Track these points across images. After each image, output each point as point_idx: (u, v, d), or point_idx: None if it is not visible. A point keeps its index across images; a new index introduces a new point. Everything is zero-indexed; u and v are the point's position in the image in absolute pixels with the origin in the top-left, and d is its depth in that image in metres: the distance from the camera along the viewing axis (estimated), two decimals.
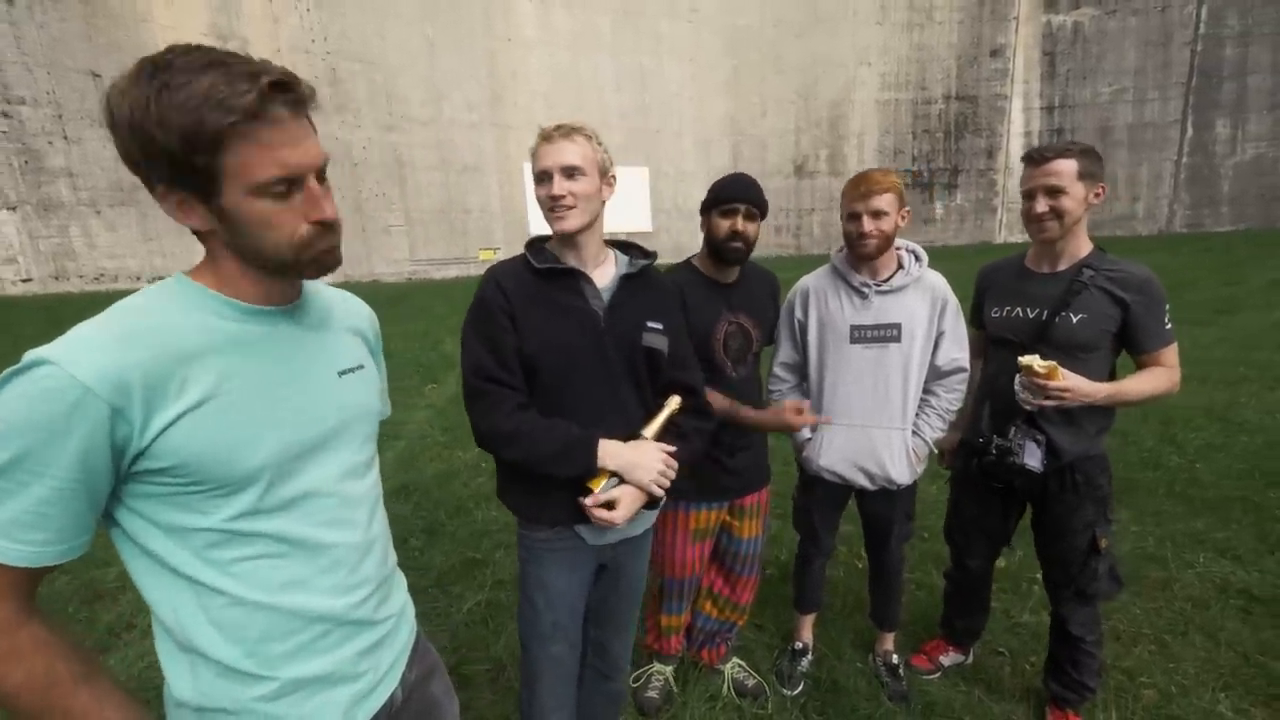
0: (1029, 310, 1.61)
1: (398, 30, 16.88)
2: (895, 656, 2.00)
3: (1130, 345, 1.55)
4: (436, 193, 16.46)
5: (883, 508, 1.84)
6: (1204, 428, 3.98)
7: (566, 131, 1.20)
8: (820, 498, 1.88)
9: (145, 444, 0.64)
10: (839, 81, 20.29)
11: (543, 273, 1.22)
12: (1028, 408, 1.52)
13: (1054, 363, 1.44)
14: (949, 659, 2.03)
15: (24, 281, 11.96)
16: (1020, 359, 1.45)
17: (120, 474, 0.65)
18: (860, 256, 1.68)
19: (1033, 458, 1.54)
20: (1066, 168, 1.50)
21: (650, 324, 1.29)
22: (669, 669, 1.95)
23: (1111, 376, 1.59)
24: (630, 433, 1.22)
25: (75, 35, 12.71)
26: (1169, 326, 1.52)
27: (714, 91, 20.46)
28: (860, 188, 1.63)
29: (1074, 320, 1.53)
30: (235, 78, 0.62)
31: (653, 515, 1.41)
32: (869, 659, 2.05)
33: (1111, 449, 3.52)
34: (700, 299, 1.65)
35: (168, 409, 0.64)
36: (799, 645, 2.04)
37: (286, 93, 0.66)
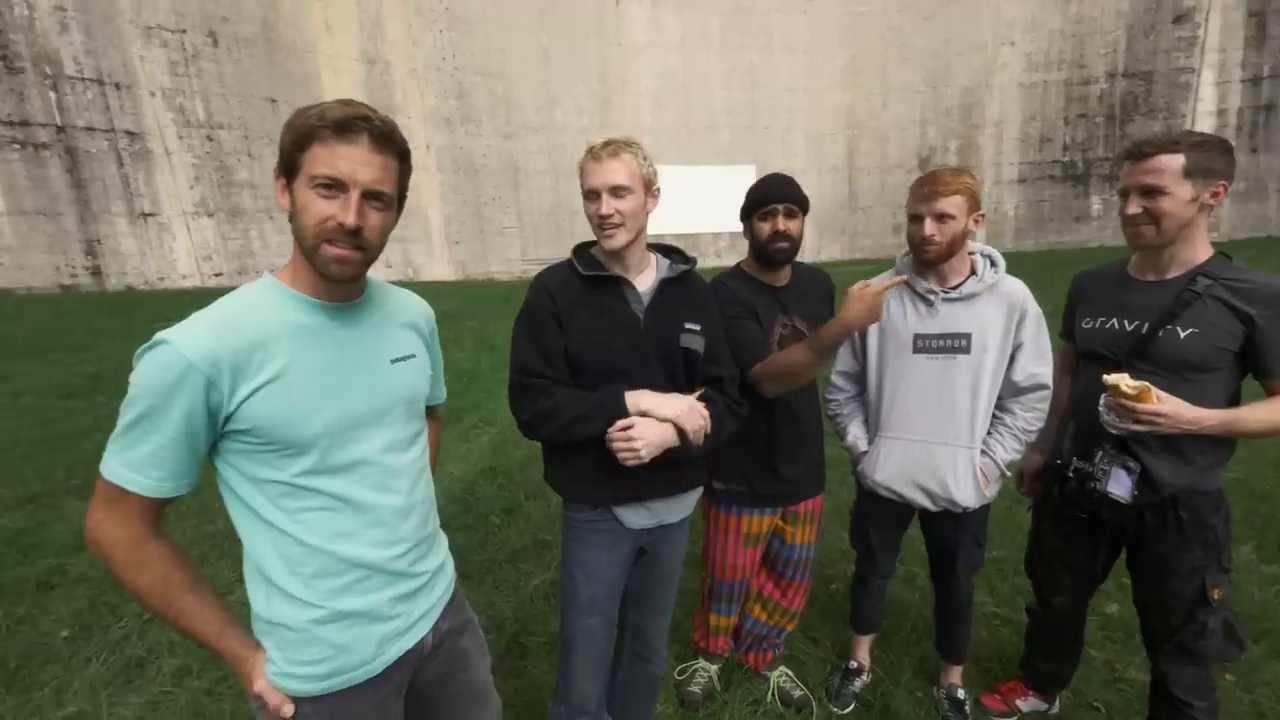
0: (1127, 322, 1.40)
1: (517, 42, 18.02)
2: (962, 691, 1.85)
3: (1257, 368, 1.31)
4: (547, 195, 17.39)
5: (948, 531, 1.70)
6: None
7: (614, 150, 1.26)
8: (878, 515, 1.79)
9: (232, 409, 0.81)
10: (974, 65, 18.50)
11: (588, 279, 1.30)
12: (1114, 432, 1.33)
13: (1146, 383, 1.25)
14: (1028, 704, 1.83)
15: (216, 276, 14.37)
16: (1105, 378, 1.27)
17: (216, 431, 0.83)
18: (922, 262, 1.57)
19: (1119, 486, 1.34)
20: (1168, 164, 1.28)
21: (688, 325, 1.34)
22: (714, 668, 1.96)
23: (1234, 401, 1.35)
24: None
25: (260, 67, 15.04)
26: None
27: (829, 84, 19.55)
28: (925, 189, 1.52)
29: (1182, 335, 1.31)
30: (340, 106, 0.84)
31: (690, 502, 1.44)
32: (932, 690, 1.91)
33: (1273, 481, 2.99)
34: (756, 303, 1.64)
35: (249, 383, 0.81)
36: (853, 665, 1.95)
37: (368, 123, 0.85)
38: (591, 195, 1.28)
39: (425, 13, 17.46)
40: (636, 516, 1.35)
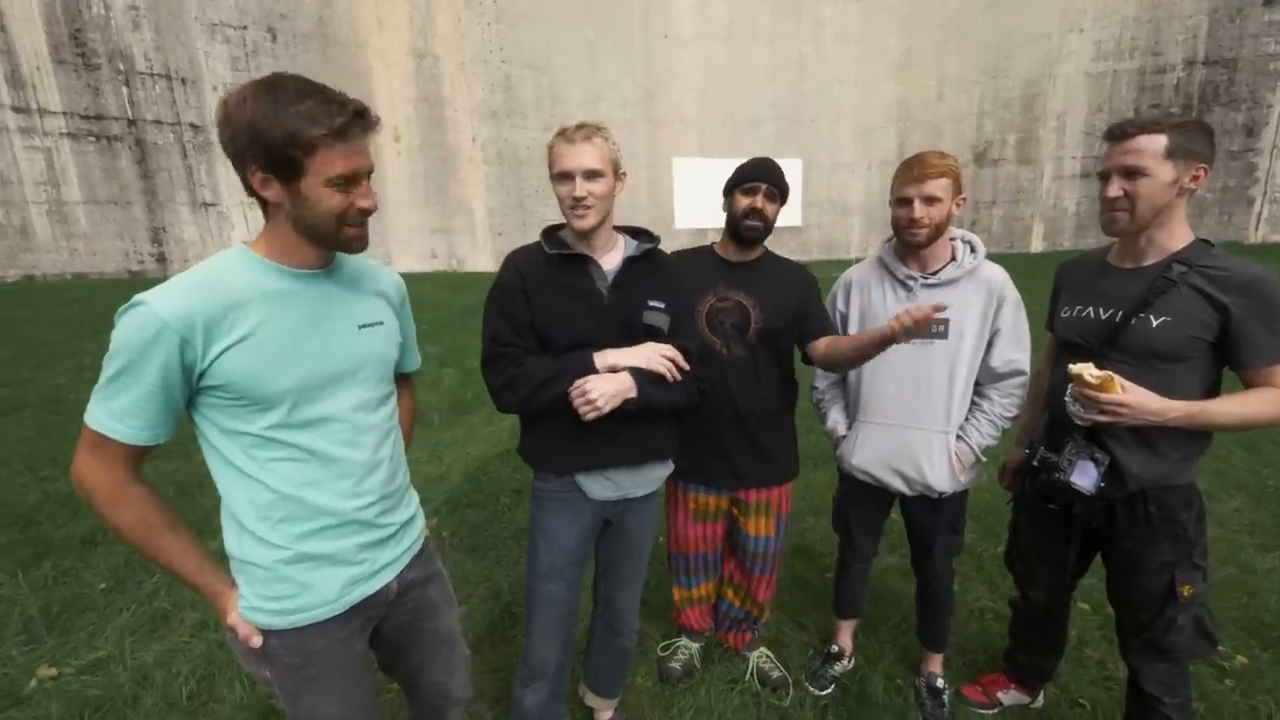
0: (1102, 310, 1.37)
1: (563, 35, 18.18)
2: (941, 680, 1.84)
3: (1231, 359, 1.26)
4: None
5: (925, 517, 1.70)
6: None
7: (587, 134, 1.31)
8: (857, 499, 1.80)
9: (205, 366, 0.89)
10: (1038, 54, 17.58)
11: (554, 258, 1.36)
12: (1079, 422, 1.30)
13: (1109, 373, 1.22)
14: (1009, 697, 1.82)
15: None
16: (1070, 367, 1.24)
17: (192, 386, 0.91)
18: (909, 245, 1.57)
19: (1083, 477, 1.32)
20: (1149, 145, 1.24)
21: (652, 303, 1.39)
22: (696, 646, 2.01)
23: (1212, 394, 1.30)
24: None
25: (315, 62, 15.72)
26: None
27: (881, 76, 18.95)
28: (914, 170, 1.52)
29: (1154, 324, 1.28)
30: (332, 102, 0.89)
31: (656, 477, 1.49)
32: (912, 679, 1.92)
33: None
34: (695, 272, 1.66)
35: (220, 341, 0.89)
36: (834, 649, 1.97)
37: (362, 119, 0.92)
38: (564, 178, 1.31)
39: (474, 6, 17.83)
40: (600, 487, 1.40)
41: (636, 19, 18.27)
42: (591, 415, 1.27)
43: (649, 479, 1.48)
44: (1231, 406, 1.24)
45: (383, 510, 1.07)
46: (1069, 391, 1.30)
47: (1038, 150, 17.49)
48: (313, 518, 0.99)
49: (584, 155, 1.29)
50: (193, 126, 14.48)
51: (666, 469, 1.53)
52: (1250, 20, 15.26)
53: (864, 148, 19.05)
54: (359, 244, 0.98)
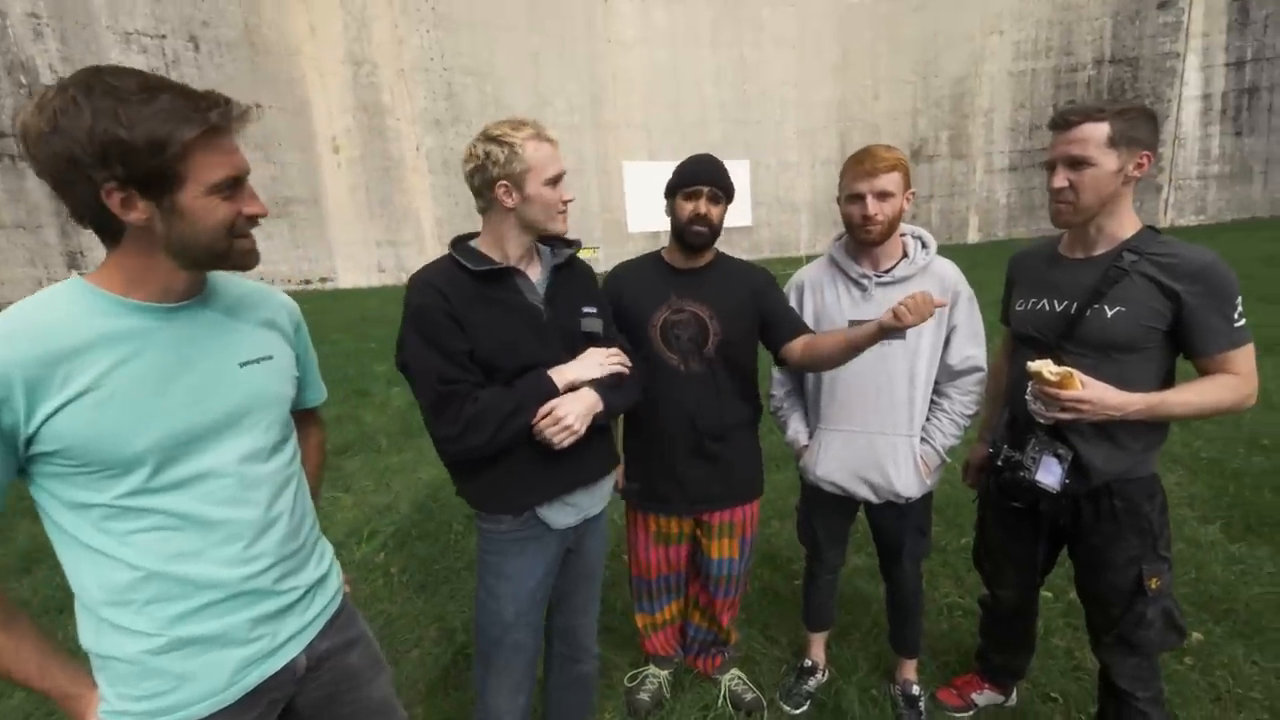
0: (1056, 302, 1.35)
1: (506, 41, 17.94)
2: (916, 687, 1.80)
3: (1185, 347, 1.26)
4: None
5: (892, 522, 1.66)
6: None
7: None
8: (822, 509, 1.73)
9: (32, 430, 0.73)
10: (964, 55, 18.48)
11: (479, 274, 1.22)
12: (1041, 421, 1.29)
13: (1069, 369, 1.20)
14: (984, 697, 1.79)
15: None
16: (1029, 365, 1.22)
17: (19, 456, 0.75)
18: (863, 243, 1.52)
19: (1049, 474, 1.30)
20: (1093, 133, 1.22)
21: (586, 310, 1.33)
22: (664, 673, 1.90)
23: (1168, 383, 1.30)
24: None
25: (243, 72, 14.94)
26: (1239, 325, 1.21)
27: (820, 77, 19.51)
28: (865, 164, 1.46)
29: (1108, 314, 1.26)
30: (193, 96, 0.75)
31: (608, 490, 1.42)
32: (888, 687, 1.87)
33: (1261, 471, 3.06)
34: (645, 283, 1.59)
35: (50, 400, 0.73)
36: (808, 663, 1.91)
37: (230, 111, 0.79)
38: (559, 180, 1.24)
39: (411, 13, 17.37)
40: (562, 515, 1.30)
41: (579, 24, 18.21)
42: (569, 440, 1.20)
43: (604, 492, 1.40)
44: (1189, 396, 1.23)
45: (283, 574, 0.92)
46: (1029, 390, 1.27)
47: (969, 146, 18.35)
48: (190, 595, 0.83)
49: (561, 158, 1.24)
50: None
51: (614, 476, 1.45)
52: (1147, 22, 16.47)
53: (808, 147, 19.53)
54: (253, 258, 0.85)
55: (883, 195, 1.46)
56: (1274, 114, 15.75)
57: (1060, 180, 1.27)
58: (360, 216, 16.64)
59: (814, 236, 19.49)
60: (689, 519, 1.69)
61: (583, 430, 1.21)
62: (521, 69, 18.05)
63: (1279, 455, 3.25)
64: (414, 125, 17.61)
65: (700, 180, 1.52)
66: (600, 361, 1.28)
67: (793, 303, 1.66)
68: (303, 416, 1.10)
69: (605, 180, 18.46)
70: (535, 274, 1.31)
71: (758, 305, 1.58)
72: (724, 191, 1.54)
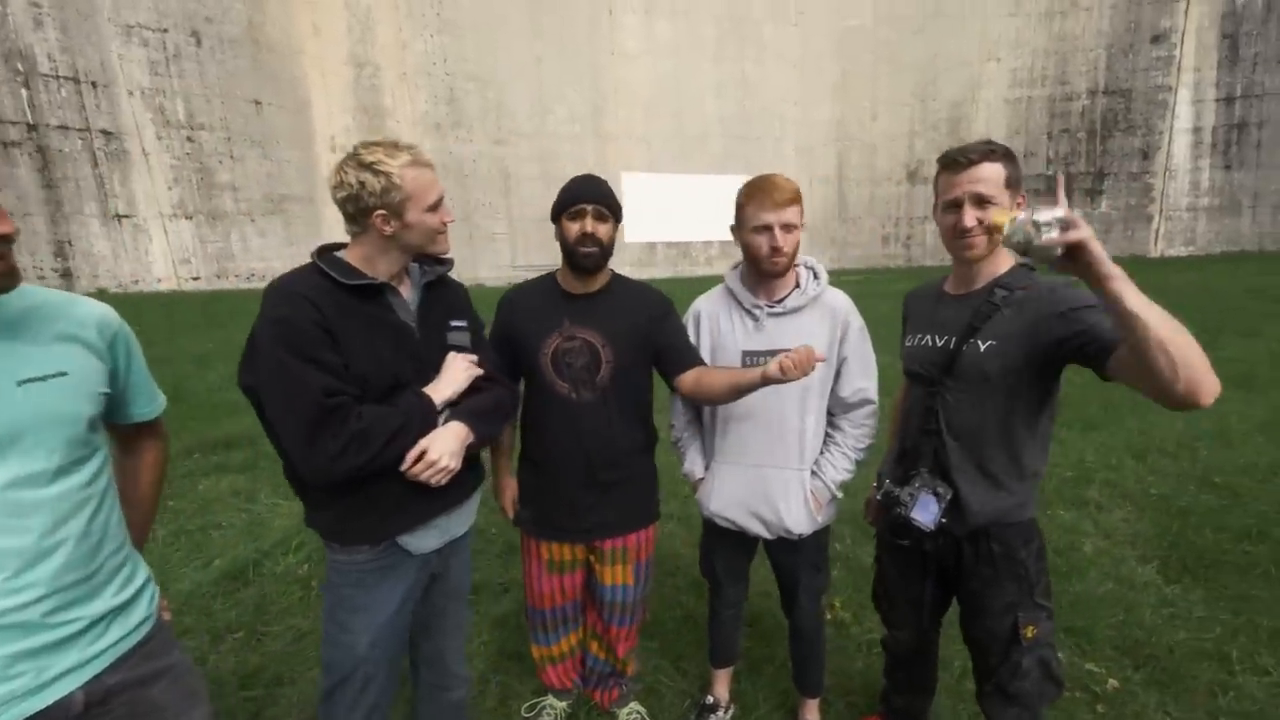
0: (938, 338, 1.35)
1: (509, 48, 18.07)
2: None
3: (1088, 358, 1.12)
4: (538, 202, 17.36)
5: (786, 558, 1.63)
6: None
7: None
8: (720, 545, 1.69)
9: None
10: (961, 80, 18.70)
11: (350, 288, 1.17)
12: (1056, 252, 0.93)
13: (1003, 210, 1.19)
14: None
15: (194, 280, 14.26)
16: (992, 218, 1.13)
17: None
18: (768, 274, 1.50)
19: (924, 513, 1.27)
20: (993, 173, 1.23)
21: (454, 323, 1.32)
22: (562, 704, 1.85)
23: (1050, 417, 1.29)
24: None
25: (244, 69, 15.00)
26: None
27: (820, 96, 19.70)
28: (774, 196, 1.44)
29: (981, 349, 1.26)
30: None
31: (474, 507, 1.39)
32: None
33: (1209, 509, 3.03)
34: (537, 308, 1.56)
35: None
36: (709, 700, 1.85)
37: None
38: (439, 204, 1.22)
39: (416, 16, 17.51)
40: (426, 540, 1.26)
41: (583, 34, 18.36)
42: (446, 479, 1.18)
43: (470, 511, 1.38)
44: (1161, 311, 0.96)
45: (59, 605, 0.86)
46: (1036, 235, 0.94)
47: None
48: None
49: (438, 181, 1.23)
50: (105, 133, 13.51)
51: (479, 493, 1.42)
52: (1141, 55, 16.70)
53: (806, 165, 19.67)
54: (7, 279, 0.82)
55: (788, 227, 1.45)
56: (1263, 149, 15.96)
57: (970, 219, 1.26)
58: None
59: (809, 253, 19.46)
60: (582, 545, 1.65)
61: (458, 467, 1.19)
62: (524, 76, 18.18)
63: (1229, 494, 3.22)
64: (414, 128, 17.69)
65: (583, 199, 1.50)
66: (465, 368, 1.26)
67: (690, 332, 1.63)
68: (135, 431, 1.06)
69: None
70: (406, 292, 1.28)
71: (652, 332, 1.55)
72: (610, 209, 1.51)
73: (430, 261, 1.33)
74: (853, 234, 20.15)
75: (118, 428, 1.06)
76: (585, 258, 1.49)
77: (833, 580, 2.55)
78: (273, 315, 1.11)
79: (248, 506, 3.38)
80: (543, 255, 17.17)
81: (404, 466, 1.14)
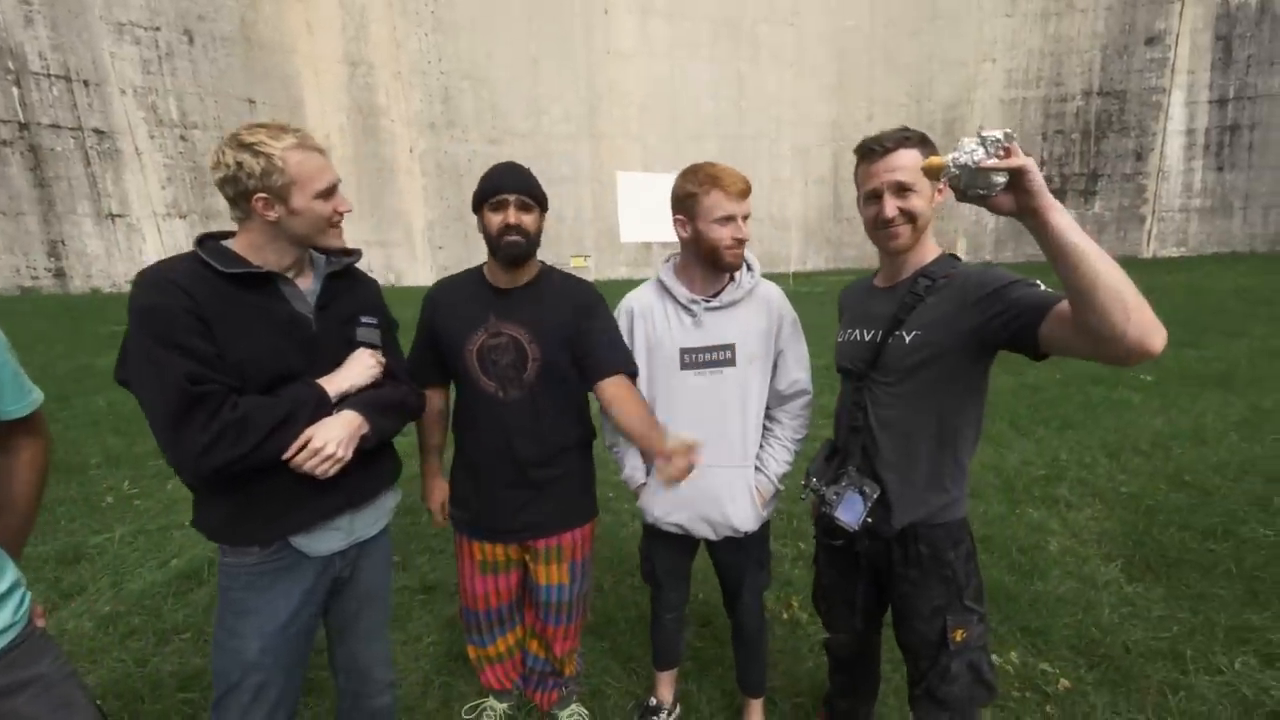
0: (865, 332, 1.33)
1: (505, 48, 18.04)
2: None
3: (1017, 339, 1.07)
4: None
5: (730, 556, 1.60)
6: None
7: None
8: (661, 549, 1.66)
9: None
10: (957, 80, 18.70)
11: (232, 277, 1.10)
12: (996, 184, 0.87)
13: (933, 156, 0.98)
14: None
15: None
16: (930, 160, 0.93)
17: None
18: (729, 267, 1.46)
19: (848, 512, 1.25)
20: (910, 160, 1.20)
21: (364, 319, 1.26)
22: (502, 706, 1.83)
23: (978, 403, 1.25)
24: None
25: (237, 67, 14.98)
26: (1043, 287, 1.07)
27: (816, 96, 19.69)
28: (738, 185, 1.41)
29: (907, 340, 1.23)
30: None
31: (388, 507, 1.34)
32: None
33: (1177, 508, 3.03)
34: (462, 303, 1.52)
35: None
36: (652, 702, 1.83)
37: None
38: (331, 191, 1.16)
39: (410, 15, 17.47)
40: (324, 541, 1.20)
41: (578, 33, 18.34)
42: (334, 470, 1.12)
43: (382, 511, 1.32)
44: (1105, 256, 0.89)
45: None
46: (971, 175, 0.89)
47: None
48: None
49: (330, 167, 1.17)
50: (97, 132, 13.47)
51: (397, 496, 1.37)
52: (1135, 57, 16.72)
53: (801, 165, 19.66)
54: None
55: (747, 218, 1.43)
56: (1254, 151, 15.99)
57: (891, 209, 1.22)
58: (349, 216, 16.53)
59: (804, 253, 19.58)
60: (515, 545, 1.62)
61: (348, 456, 1.14)
62: (519, 76, 18.15)
63: (1199, 492, 3.20)
64: (408, 128, 17.66)
65: (505, 189, 1.44)
66: (369, 364, 1.21)
67: (623, 329, 1.59)
68: (7, 429, 1.02)
69: (599, 189, 18.49)
70: (305, 284, 1.22)
71: (577, 330, 1.51)
72: (534, 199, 1.47)
73: (338, 253, 1.28)
74: (848, 234, 20.14)
75: None
76: (512, 247, 1.44)
77: (791, 579, 2.55)
78: (139, 303, 1.04)
79: None
80: (541, 253, 17.13)
81: (286, 455, 1.09)
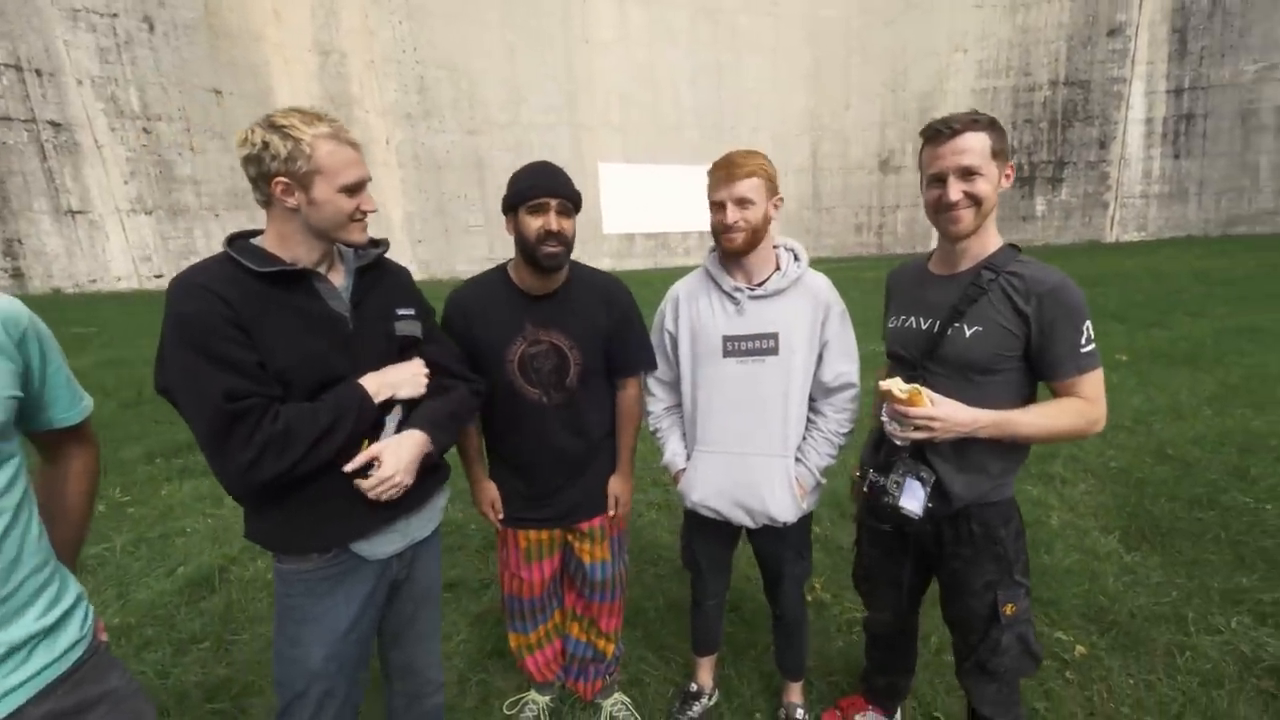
0: (922, 320, 1.33)
1: (481, 37, 17.68)
2: (801, 710, 1.79)
3: (1036, 370, 1.24)
4: None
5: (771, 545, 1.63)
6: None
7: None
8: (703, 534, 1.68)
9: None
10: (930, 70, 18.96)
11: (268, 276, 1.06)
12: (897, 442, 1.27)
13: (916, 386, 1.19)
14: (867, 719, 1.79)
15: (156, 278, 13.72)
16: (879, 384, 1.21)
17: None
18: (726, 252, 1.48)
19: (912, 500, 1.28)
20: (978, 143, 1.19)
21: (401, 311, 1.22)
22: (544, 699, 1.84)
23: (1023, 404, 1.29)
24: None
25: (202, 56, 14.40)
26: (1087, 350, 1.19)
27: (793, 85, 19.77)
28: (720, 172, 1.42)
29: (967, 334, 1.24)
30: None
31: (441, 506, 1.33)
32: (775, 708, 1.85)
33: (1163, 480, 3.15)
34: (495, 312, 1.48)
35: None
36: (693, 688, 1.86)
37: None
38: (359, 188, 1.12)
39: (382, 3, 17.00)
40: (383, 545, 1.19)
41: (556, 21, 18.07)
42: (399, 494, 1.12)
43: (434, 511, 1.31)
44: (1036, 418, 1.21)
45: None
46: (884, 410, 1.26)
47: None
48: None
49: (361, 162, 1.13)
50: (53, 124, 12.84)
51: (446, 494, 1.36)
52: (1098, 48, 17.18)
53: (781, 154, 19.73)
54: None
55: (741, 202, 1.41)
56: (1208, 140, 16.66)
57: (956, 192, 1.21)
58: None
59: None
60: (559, 529, 1.65)
61: (411, 481, 1.13)
62: (496, 65, 17.82)
63: (1181, 464, 3.36)
64: (384, 118, 17.23)
65: (545, 191, 1.38)
66: (416, 372, 1.17)
67: (668, 318, 1.61)
68: (58, 438, 0.98)
69: (580, 181, 17.79)
70: (338, 279, 1.17)
71: (611, 331, 1.53)
72: (573, 203, 1.43)
73: (369, 244, 1.23)
74: (826, 223, 20.36)
75: (38, 435, 0.96)
76: (549, 258, 1.39)
77: (814, 562, 2.61)
78: (175, 311, 1.00)
79: (213, 511, 3.28)
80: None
81: (349, 467, 1.08)
